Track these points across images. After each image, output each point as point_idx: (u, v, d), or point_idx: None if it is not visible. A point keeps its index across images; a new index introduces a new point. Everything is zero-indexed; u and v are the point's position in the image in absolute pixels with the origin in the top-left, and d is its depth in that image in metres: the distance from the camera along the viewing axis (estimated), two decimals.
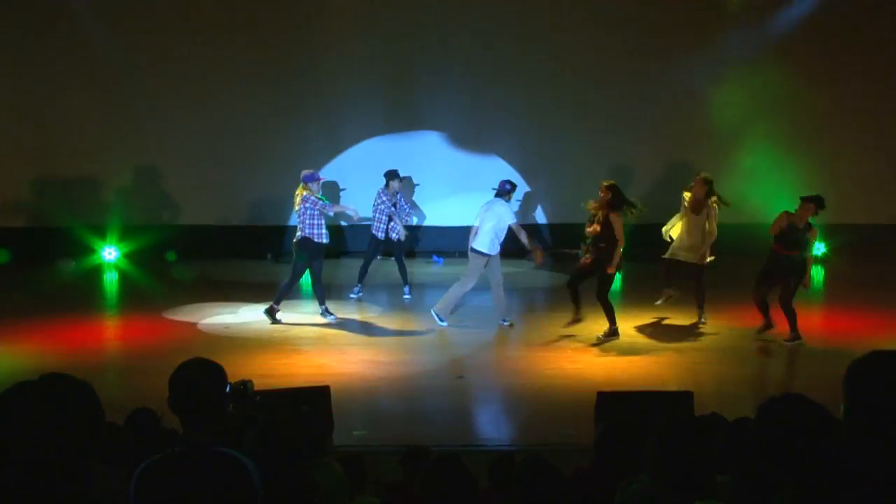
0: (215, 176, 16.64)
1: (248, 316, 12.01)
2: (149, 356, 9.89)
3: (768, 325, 10.62)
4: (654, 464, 3.65)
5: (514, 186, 11.46)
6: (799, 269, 10.27)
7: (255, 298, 12.62)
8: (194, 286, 14.41)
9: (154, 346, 10.49)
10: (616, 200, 10.47)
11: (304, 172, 11.78)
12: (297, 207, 11.62)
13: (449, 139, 16.83)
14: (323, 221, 11.62)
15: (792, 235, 10.27)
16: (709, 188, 11.20)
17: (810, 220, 10.28)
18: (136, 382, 8.81)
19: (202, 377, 3.46)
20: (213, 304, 12.80)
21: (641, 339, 10.92)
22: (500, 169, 16.00)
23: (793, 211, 10.32)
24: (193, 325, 11.63)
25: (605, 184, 10.63)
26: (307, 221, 11.52)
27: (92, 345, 10.67)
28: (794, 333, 10.43)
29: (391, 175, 13.21)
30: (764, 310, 10.59)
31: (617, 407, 6.62)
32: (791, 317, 10.41)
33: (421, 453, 5.41)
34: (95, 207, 16.38)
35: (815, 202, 10.22)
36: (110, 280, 15.07)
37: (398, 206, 13.29)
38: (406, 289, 13.37)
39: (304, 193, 11.58)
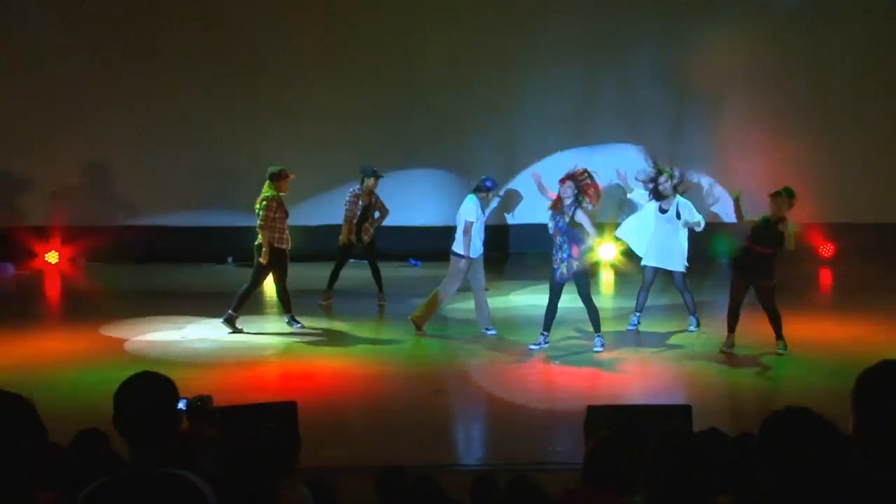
0: (172, 175, 16.59)
1: (205, 324, 11.95)
2: (96, 371, 9.81)
3: (732, 343, 10.61)
4: (650, 484, 3.65)
5: (494, 185, 11.44)
6: (771, 269, 10.29)
7: (214, 305, 12.55)
8: (148, 292, 14.33)
9: (102, 359, 10.40)
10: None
11: (271, 169, 11.72)
12: (257, 207, 11.58)
13: None
14: (285, 225, 11.57)
15: (766, 231, 10.28)
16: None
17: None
18: (82, 400, 8.74)
19: (151, 393, 3.42)
20: (169, 313, 12.73)
21: (635, 349, 10.93)
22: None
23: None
24: (146, 335, 11.57)
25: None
26: (268, 224, 11.47)
27: (32, 359, 10.56)
28: (782, 340, 10.45)
29: (368, 172, 13.16)
30: (734, 321, 10.56)
31: (608, 422, 6.60)
32: (777, 321, 10.44)
33: (396, 474, 5.40)
34: (36, 207, 16.28)
35: (785, 194, 10.28)
36: (53, 286, 14.97)
37: (375, 205, 13.26)
38: (380, 295, 13.34)
39: (268, 193, 11.53)
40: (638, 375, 9.95)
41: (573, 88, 17.04)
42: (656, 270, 11.63)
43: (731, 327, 10.58)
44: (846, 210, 16.72)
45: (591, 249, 10.67)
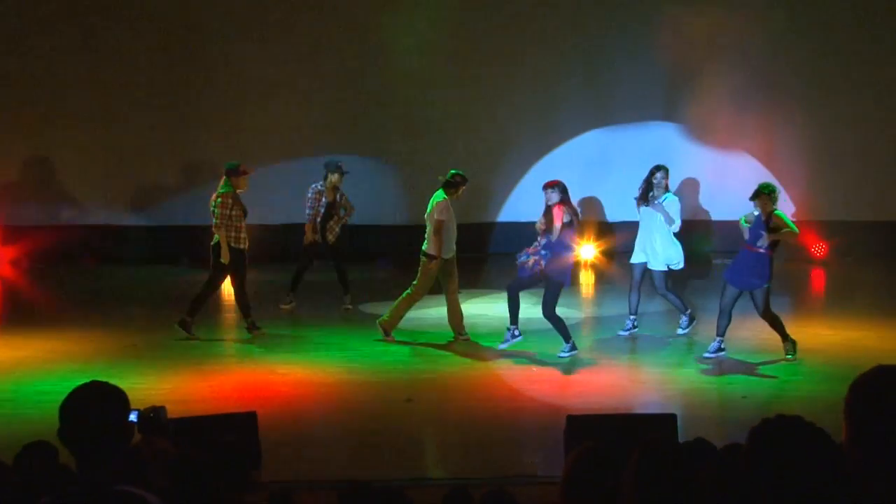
0: (120, 171, 16.54)
1: (158, 330, 11.89)
2: (42, 380, 9.74)
3: (720, 348, 10.67)
4: (633, 497, 3.67)
5: (464, 180, 11.44)
6: (768, 270, 10.37)
7: (167, 309, 12.49)
8: (96, 295, 14.26)
9: (47, 368, 10.33)
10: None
11: (230, 164, 11.67)
12: (210, 204, 11.54)
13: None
14: (243, 224, 11.52)
15: (757, 230, 10.38)
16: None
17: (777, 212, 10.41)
18: (28, 412, 8.68)
19: (100, 404, 3.40)
20: (119, 317, 12.68)
21: (618, 355, 10.98)
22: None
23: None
24: (94, 342, 11.50)
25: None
26: (224, 222, 11.43)
27: None
28: (789, 342, 10.54)
29: (331, 167, 13.13)
30: (725, 325, 10.63)
31: (589, 432, 6.64)
32: (777, 324, 10.53)
33: (362, 489, 5.38)
34: None
35: (764, 192, 10.36)
36: None
37: (340, 203, 13.23)
38: (347, 298, 13.33)
39: (223, 190, 11.49)
40: (622, 382, 9.99)
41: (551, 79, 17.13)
42: (644, 268, 11.69)
43: (722, 330, 10.63)
44: (841, 208, 16.89)
45: (569, 258, 10.72)
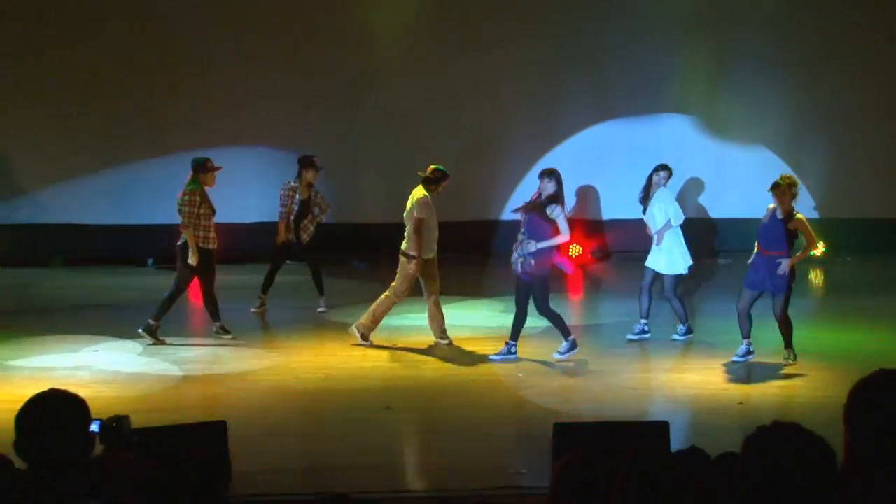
0: (82, 167, 16.48)
1: (123, 335, 11.85)
2: None
3: (749, 351, 10.69)
4: None
5: (444, 175, 11.43)
6: (787, 275, 10.39)
7: (132, 313, 12.45)
8: (57, 299, 14.21)
9: (2, 377, 10.27)
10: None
11: (198, 159, 11.62)
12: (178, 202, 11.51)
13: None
14: (212, 223, 11.49)
15: (773, 231, 10.42)
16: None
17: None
18: None
19: (59, 413, 3.38)
20: (81, 321, 12.63)
21: (608, 361, 11.00)
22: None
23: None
24: (55, 347, 11.44)
25: None
26: (192, 221, 11.39)
27: None
28: (791, 351, 10.58)
29: (305, 162, 13.11)
30: (747, 327, 10.65)
31: (577, 441, 6.65)
32: (788, 330, 10.57)
33: (339, 502, 5.38)
34: None
35: (782, 184, 10.36)
36: None
37: (314, 200, 13.21)
38: (321, 301, 13.31)
39: (191, 187, 11.45)
40: (613, 389, 9.99)
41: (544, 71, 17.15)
42: (655, 272, 11.71)
43: (746, 333, 10.64)
44: (841, 205, 16.98)
45: (554, 250, 10.75)
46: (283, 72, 16.79)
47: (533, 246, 10.50)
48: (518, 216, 10.87)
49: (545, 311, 10.74)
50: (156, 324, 11.52)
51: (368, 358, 11.16)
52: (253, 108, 16.68)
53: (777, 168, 15.36)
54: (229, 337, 11.75)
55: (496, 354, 10.86)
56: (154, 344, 11.44)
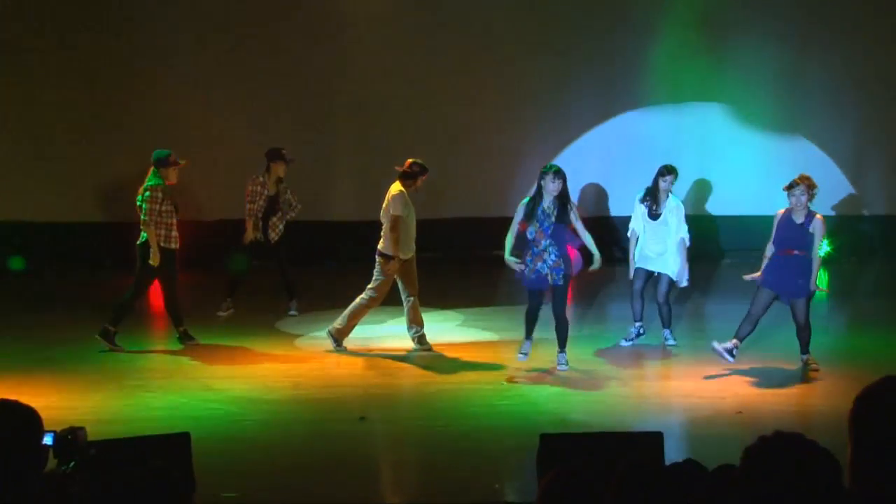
0: (36, 163, 16.45)
1: (78, 340, 11.81)
2: None
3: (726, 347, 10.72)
4: None
5: (423, 170, 11.43)
6: (805, 273, 10.47)
7: (88, 317, 12.41)
8: (5, 302, 14.16)
9: None
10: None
11: (160, 153, 11.56)
12: (137, 199, 11.48)
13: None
14: (174, 221, 11.45)
15: (790, 230, 10.49)
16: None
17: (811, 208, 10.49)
18: None
19: (8, 425, 3.37)
20: (32, 326, 12.61)
21: (599, 367, 11.02)
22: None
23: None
24: (2, 355, 11.43)
25: None
26: (153, 219, 11.36)
27: None
28: (810, 356, 10.65)
29: (273, 156, 13.08)
30: (748, 332, 10.69)
31: (566, 454, 6.66)
32: (809, 335, 10.65)
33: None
34: None
35: (803, 183, 10.39)
36: None
37: (284, 197, 13.18)
38: (292, 304, 13.29)
39: (152, 182, 11.41)
40: (603, 397, 10.02)
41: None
42: (648, 275, 11.79)
43: (743, 335, 10.71)
44: (849, 200, 17.06)
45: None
46: (246, 61, 16.72)
47: (558, 253, 10.53)
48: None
49: (562, 315, 10.78)
50: (113, 329, 11.48)
51: (342, 365, 11.16)
52: (217, 100, 16.63)
53: (818, 162, 15.46)
54: (193, 343, 11.72)
55: (521, 353, 10.82)
56: (111, 350, 11.40)
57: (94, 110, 16.56)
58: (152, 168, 11.52)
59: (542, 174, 10.63)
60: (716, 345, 10.66)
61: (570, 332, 10.92)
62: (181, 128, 15.91)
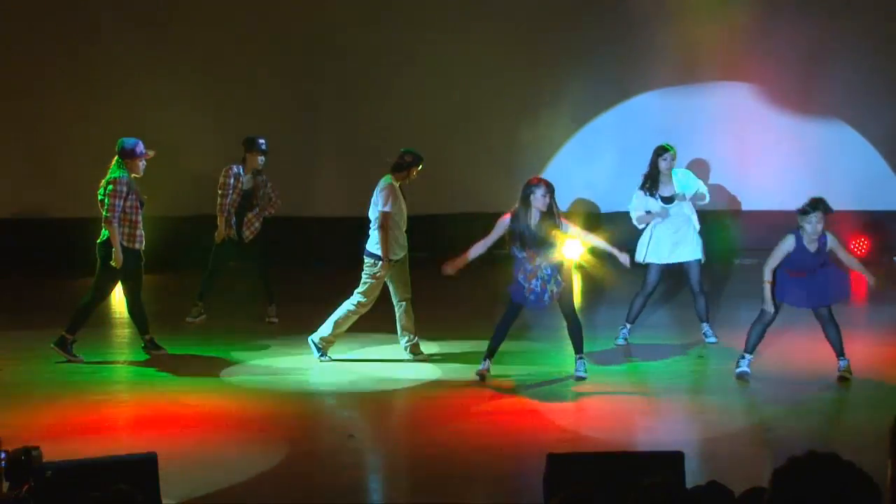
0: None
1: (32, 349, 11.83)
2: None
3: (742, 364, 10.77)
4: None
5: (416, 160, 11.42)
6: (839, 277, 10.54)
7: (43, 323, 12.43)
8: None
9: None
10: None
11: (126, 142, 11.54)
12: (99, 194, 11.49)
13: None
14: (139, 218, 11.44)
15: (804, 261, 10.45)
16: None
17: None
18: None
19: None
20: None
21: (613, 378, 11.04)
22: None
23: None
24: None
25: None
26: (115, 214, 11.37)
27: None
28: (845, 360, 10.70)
29: (250, 145, 13.07)
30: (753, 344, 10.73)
31: (576, 475, 6.68)
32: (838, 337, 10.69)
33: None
34: None
35: (821, 209, 10.28)
36: None
37: (261, 191, 13.17)
38: (271, 309, 13.30)
39: (116, 174, 11.39)
40: (618, 412, 10.04)
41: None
42: (664, 270, 11.91)
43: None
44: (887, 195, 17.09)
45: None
46: (219, 41, 16.73)
47: (552, 268, 10.56)
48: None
49: (574, 316, 10.84)
50: (70, 337, 11.48)
51: (327, 377, 11.16)
52: (187, 85, 16.61)
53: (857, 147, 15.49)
54: (160, 352, 11.73)
55: (478, 372, 10.87)
56: (69, 361, 11.41)
57: (55, 97, 16.60)
58: (116, 158, 11.48)
59: (531, 187, 10.58)
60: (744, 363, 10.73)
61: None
62: (147, 113, 15.92)
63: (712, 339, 12.03)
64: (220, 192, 13.08)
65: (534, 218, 10.55)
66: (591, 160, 16.97)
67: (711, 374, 11.19)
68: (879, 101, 16.97)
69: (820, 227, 10.29)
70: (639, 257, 11.94)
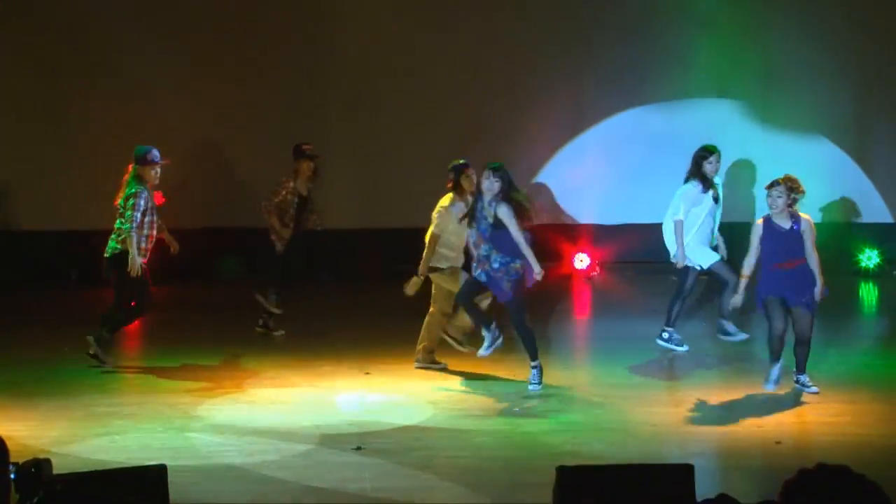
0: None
1: (42, 362, 11.88)
2: None
3: (776, 377, 10.67)
4: None
5: (455, 171, 11.42)
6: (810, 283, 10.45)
7: (54, 336, 12.44)
8: None
9: None
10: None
11: (139, 149, 11.58)
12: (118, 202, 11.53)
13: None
14: (152, 233, 11.49)
15: (777, 240, 10.43)
16: None
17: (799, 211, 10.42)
18: None
19: None
20: None
21: (623, 390, 11.02)
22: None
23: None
24: None
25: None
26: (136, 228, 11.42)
27: None
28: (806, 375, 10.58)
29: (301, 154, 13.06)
30: (777, 352, 10.67)
31: (585, 488, 6.66)
32: (808, 352, 10.58)
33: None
34: None
35: (784, 184, 10.34)
36: None
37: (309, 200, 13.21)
38: (262, 320, 13.27)
39: (137, 188, 11.44)
40: (627, 424, 10.01)
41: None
42: (699, 271, 11.88)
43: (778, 355, 10.72)
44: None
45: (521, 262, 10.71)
46: (237, 49, 16.77)
47: (501, 261, 10.52)
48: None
49: (522, 326, 10.79)
50: (107, 336, 11.61)
51: (337, 389, 11.15)
52: (201, 95, 16.65)
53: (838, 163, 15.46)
54: (103, 363, 11.66)
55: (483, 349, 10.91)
56: (101, 364, 11.48)
57: (57, 105, 16.63)
58: (133, 166, 11.54)
59: (485, 171, 10.66)
60: (770, 385, 10.70)
61: (587, 347, 10.93)
62: (159, 127, 15.95)
63: (740, 336, 11.87)
64: (274, 199, 13.02)
65: (483, 200, 10.59)
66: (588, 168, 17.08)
67: (721, 386, 11.16)
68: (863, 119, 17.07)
69: (781, 200, 10.28)
70: (685, 261, 11.82)
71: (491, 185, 10.53)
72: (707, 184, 11.79)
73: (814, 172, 15.73)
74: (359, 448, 9.33)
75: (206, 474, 8.69)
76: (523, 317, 10.79)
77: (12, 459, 4.20)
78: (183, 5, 16.83)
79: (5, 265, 16.39)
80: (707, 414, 10.35)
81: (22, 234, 16.72)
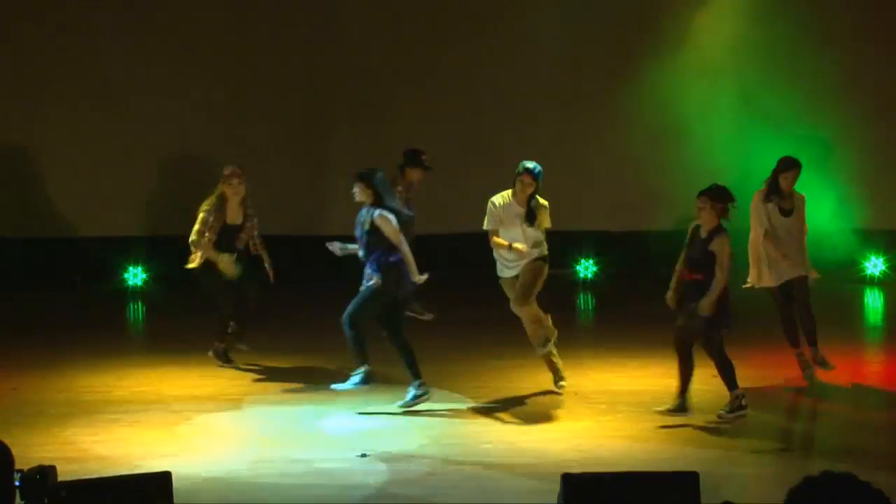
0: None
1: (46, 367, 11.90)
2: None
3: (681, 407, 10.35)
4: None
5: (518, 174, 11.12)
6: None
7: (57, 341, 12.45)
8: None
9: None
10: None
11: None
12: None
13: None
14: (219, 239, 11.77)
15: (695, 249, 10.16)
16: None
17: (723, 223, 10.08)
18: None
19: None
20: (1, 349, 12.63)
21: (629, 398, 11.01)
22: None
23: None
24: None
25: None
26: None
27: None
28: (735, 401, 10.21)
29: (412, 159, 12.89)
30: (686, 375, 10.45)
31: (590, 496, 6.67)
32: (725, 371, 10.26)
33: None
34: None
35: (715, 196, 9.97)
36: None
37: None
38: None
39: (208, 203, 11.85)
40: (633, 432, 10.00)
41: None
42: (789, 288, 11.27)
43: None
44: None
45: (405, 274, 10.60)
46: (236, 57, 16.78)
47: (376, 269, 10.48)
48: None
49: (397, 338, 10.66)
50: (221, 345, 12.04)
51: (340, 394, 11.11)
52: (193, 100, 16.67)
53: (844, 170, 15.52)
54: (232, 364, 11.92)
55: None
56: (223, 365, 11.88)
57: (72, 110, 16.65)
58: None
59: None
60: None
61: (592, 354, 10.88)
62: (155, 128, 16.00)
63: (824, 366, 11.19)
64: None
65: (363, 208, 10.61)
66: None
67: (725, 394, 11.14)
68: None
69: (702, 212, 9.96)
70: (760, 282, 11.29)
71: (356, 194, 10.55)
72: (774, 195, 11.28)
73: (820, 179, 15.80)
74: (363, 455, 9.34)
75: (211, 482, 8.71)
76: (398, 331, 10.69)
77: (17, 466, 4.20)
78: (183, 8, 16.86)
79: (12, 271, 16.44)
80: (712, 421, 10.34)
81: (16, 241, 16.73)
